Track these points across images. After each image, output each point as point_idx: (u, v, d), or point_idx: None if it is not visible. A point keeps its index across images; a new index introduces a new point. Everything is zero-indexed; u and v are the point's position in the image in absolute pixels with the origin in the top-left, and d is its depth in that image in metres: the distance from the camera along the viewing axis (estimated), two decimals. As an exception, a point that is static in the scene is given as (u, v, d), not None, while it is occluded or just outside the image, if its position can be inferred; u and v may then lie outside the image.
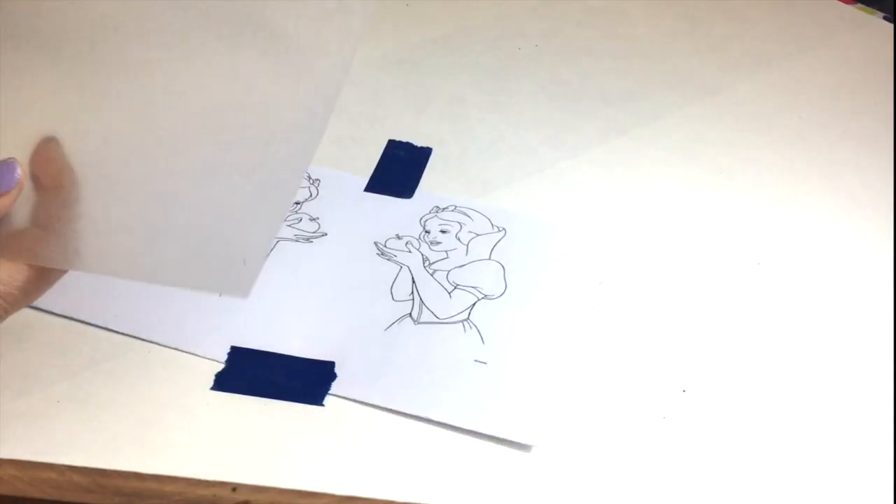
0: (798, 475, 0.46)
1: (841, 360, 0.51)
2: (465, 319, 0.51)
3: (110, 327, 0.49)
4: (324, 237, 0.56)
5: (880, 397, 0.50)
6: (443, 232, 0.56)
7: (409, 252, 0.55)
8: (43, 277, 0.42)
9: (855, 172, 0.64)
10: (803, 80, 0.73)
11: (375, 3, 0.42)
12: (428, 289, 0.53)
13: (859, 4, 0.82)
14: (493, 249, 0.56)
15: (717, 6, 0.81)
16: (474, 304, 0.52)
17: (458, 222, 0.57)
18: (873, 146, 0.67)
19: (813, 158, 0.65)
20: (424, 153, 0.62)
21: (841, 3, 0.82)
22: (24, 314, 0.49)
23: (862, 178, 0.64)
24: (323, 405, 0.47)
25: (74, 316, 0.49)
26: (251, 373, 0.48)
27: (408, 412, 0.47)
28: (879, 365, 0.51)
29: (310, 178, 0.60)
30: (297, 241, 0.55)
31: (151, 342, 0.49)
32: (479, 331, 0.51)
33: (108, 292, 0.50)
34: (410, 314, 0.51)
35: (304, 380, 0.48)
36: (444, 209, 0.58)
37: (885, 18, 0.81)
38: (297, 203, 0.58)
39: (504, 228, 0.57)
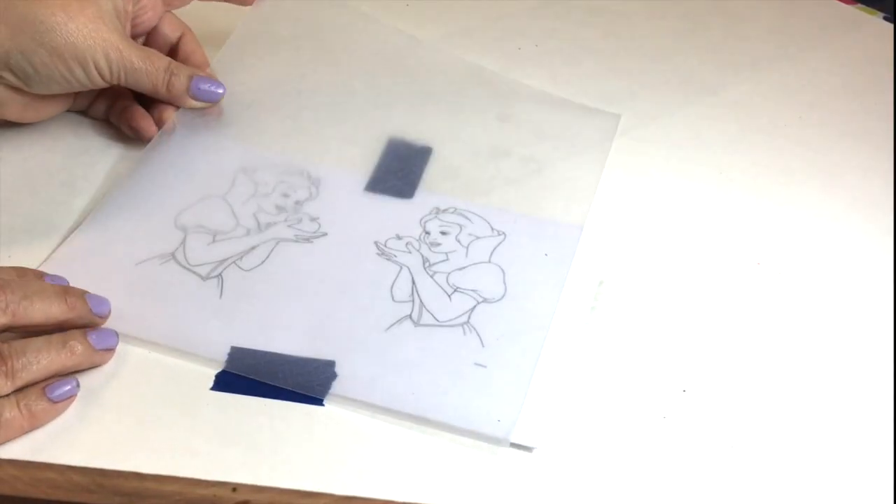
0: (798, 475, 0.46)
1: (841, 360, 0.51)
2: (465, 322, 0.51)
3: (110, 327, 0.49)
4: (324, 237, 0.56)
5: (880, 397, 0.50)
6: (443, 233, 0.56)
7: (410, 253, 0.55)
8: None
9: (855, 172, 0.64)
10: (803, 80, 0.73)
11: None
12: (428, 290, 0.53)
13: (859, 4, 0.82)
14: (492, 253, 0.55)
15: (717, 6, 0.81)
16: (474, 307, 0.52)
17: (458, 224, 0.57)
18: (874, 146, 0.67)
19: (813, 158, 0.65)
20: (424, 153, 0.62)
21: (841, 3, 0.82)
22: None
23: (862, 178, 0.64)
24: (323, 405, 0.47)
25: (74, 316, 0.49)
26: (251, 372, 0.48)
27: (408, 413, 0.47)
28: (880, 365, 0.51)
29: (310, 177, 0.60)
30: (297, 241, 0.55)
31: (151, 342, 0.49)
32: (478, 334, 0.51)
33: (108, 293, 0.50)
34: (410, 316, 0.51)
35: (304, 380, 0.48)
36: (444, 211, 0.58)
37: (885, 18, 0.81)
38: (298, 203, 0.58)
39: (504, 232, 0.57)
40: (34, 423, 0.44)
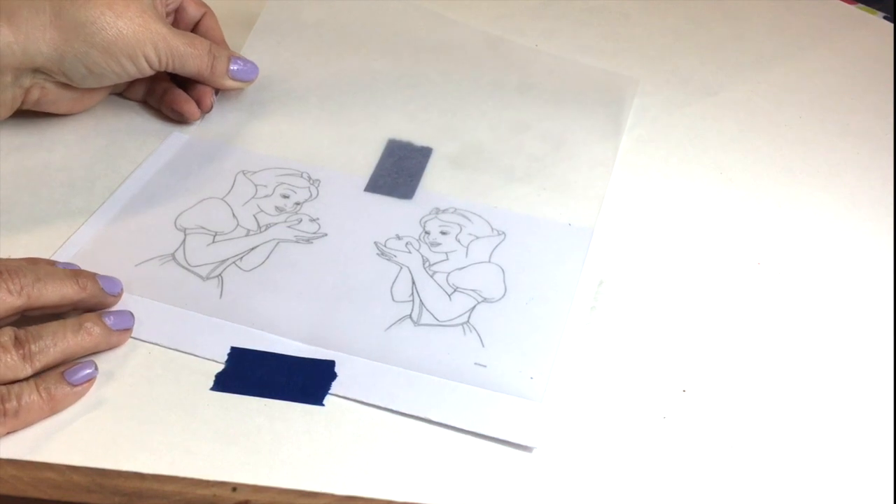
0: (798, 475, 0.46)
1: (841, 360, 0.51)
2: (465, 322, 0.51)
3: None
4: (324, 237, 0.56)
5: (880, 397, 0.50)
6: (443, 233, 0.56)
7: (409, 253, 0.55)
8: None
9: (855, 172, 0.65)
10: (803, 80, 0.73)
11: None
12: (428, 290, 0.53)
13: (859, 4, 0.83)
14: (492, 252, 0.55)
15: (717, 6, 0.81)
16: (474, 307, 0.52)
17: (458, 224, 0.57)
18: (873, 146, 0.67)
19: (813, 158, 0.65)
20: (424, 153, 0.63)
21: (841, 3, 0.83)
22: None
23: (862, 178, 0.64)
24: (323, 405, 0.47)
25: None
26: (251, 373, 0.48)
27: (408, 412, 0.47)
28: (880, 365, 0.51)
29: (310, 178, 0.60)
30: (296, 241, 0.55)
31: (151, 342, 0.49)
32: (478, 334, 0.51)
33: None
34: (410, 315, 0.51)
35: (304, 380, 0.48)
36: (443, 211, 0.58)
37: (885, 18, 0.81)
38: (297, 203, 0.58)
39: (504, 232, 0.57)
40: (55, 408, 0.44)
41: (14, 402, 0.43)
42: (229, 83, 0.63)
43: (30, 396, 0.43)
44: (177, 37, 0.59)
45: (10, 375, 0.44)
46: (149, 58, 0.57)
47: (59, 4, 0.54)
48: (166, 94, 0.63)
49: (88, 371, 0.45)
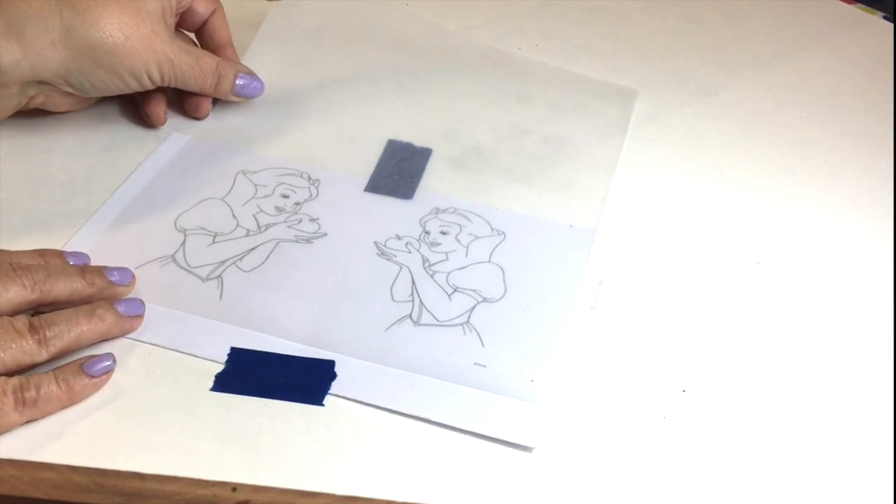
0: (798, 475, 0.46)
1: (841, 360, 0.51)
2: (465, 322, 0.51)
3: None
4: (324, 237, 0.56)
5: (880, 397, 0.50)
6: (443, 233, 0.56)
7: (409, 252, 0.55)
8: None
9: (855, 172, 0.65)
10: (803, 79, 0.73)
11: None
12: (428, 290, 0.53)
13: (859, 4, 0.83)
14: (492, 252, 0.55)
15: (717, 6, 0.81)
16: (474, 307, 0.52)
17: (458, 224, 0.57)
18: (873, 146, 0.67)
19: (813, 158, 0.65)
20: (424, 153, 0.63)
21: (841, 3, 0.83)
22: (25, 315, 0.49)
23: (862, 178, 0.64)
24: (323, 405, 0.47)
25: (74, 317, 0.49)
26: (251, 373, 0.48)
27: (408, 412, 0.47)
28: (879, 365, 0.51)
29: (310, 178, 0.60)
30: (296, 241, 0.55)
31: (151, 343, 0.49)
32: (478, 334, 0.51)
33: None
34: (410, 315, 0.51)
35: (304, 380, 0.48)
36: (443, 211, 0.58)
37: (885, 18, 0.81)
38: (297, 203, 0.58)
39: (503, 232, 0.57)
40: (73, 398, 0.45)
41: (33, 392, 0.44)
42: (232, 99, 0.64)
43: (48, 387, 0.44)
44: (183, 56, 0.59)
45: (27, 360, 0.45)
46: (152, 76, 0.58)
47: (69, 22, 0.55)
48: (145, 94, 0.62)
49: (107, 363, 0.46)
